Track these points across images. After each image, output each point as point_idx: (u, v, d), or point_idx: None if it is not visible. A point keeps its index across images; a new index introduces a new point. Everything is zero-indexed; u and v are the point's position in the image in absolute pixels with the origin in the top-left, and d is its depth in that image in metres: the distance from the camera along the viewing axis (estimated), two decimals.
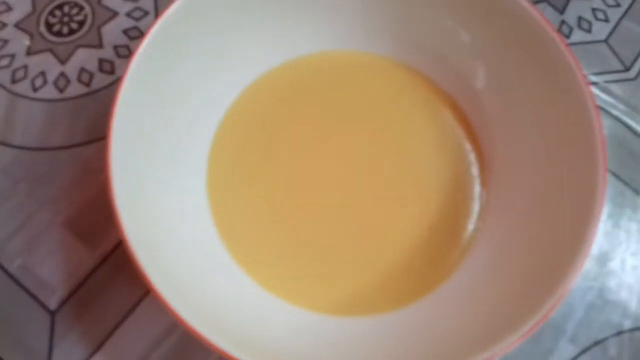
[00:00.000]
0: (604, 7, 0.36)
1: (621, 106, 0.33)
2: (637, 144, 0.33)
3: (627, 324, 0.29)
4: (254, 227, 0.29)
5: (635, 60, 0.35)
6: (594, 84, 0.34)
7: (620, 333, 0.29)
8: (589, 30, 0.35)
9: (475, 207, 0.29)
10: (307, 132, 0.30)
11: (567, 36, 0.35)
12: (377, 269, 0.28)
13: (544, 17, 0.26)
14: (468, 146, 0.30)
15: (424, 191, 0.30)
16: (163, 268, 0.23)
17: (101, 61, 0.33)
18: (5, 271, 0.28)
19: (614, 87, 0.34)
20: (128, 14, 0.34)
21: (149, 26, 0.26)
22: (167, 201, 0.26)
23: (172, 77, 0.27)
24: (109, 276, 0.28)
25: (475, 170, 0.30)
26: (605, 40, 0.35)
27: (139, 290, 0.28)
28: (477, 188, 0.30)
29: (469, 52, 0.30)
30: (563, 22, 0.36)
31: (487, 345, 0.22)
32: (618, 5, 0.36)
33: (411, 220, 0.29)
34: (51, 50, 0.33)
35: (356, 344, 0.26)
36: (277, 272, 0.28)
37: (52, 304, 0.28)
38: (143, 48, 0.25)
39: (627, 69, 0.34)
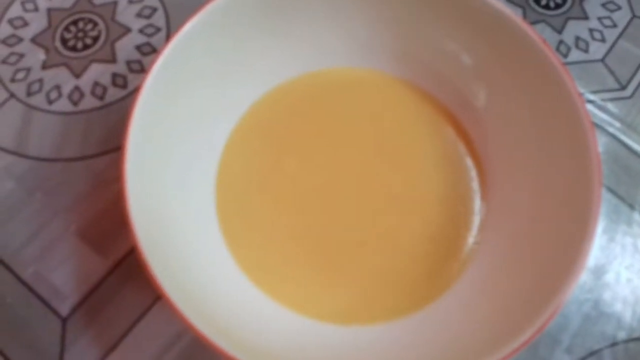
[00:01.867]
0: (600, 27, 0.37)
1: (617, 124, 0.34)
2: (633, 160, 0.34)
3: (622, 336, 0.30)
4: (261, 238, 0.29)
5: (631, 79, 0.36)
6: (591, 102, 0.35)
7: (614, 344, 0.29)
8: (586, 50, 0.36)
9: (476, 220, 0.30)
10: (313, 146, 0.31)
11: (565, 55, 0.36)
12: (380, 279, 0.29)
13: (542, 39, 0.27)
14: (469, 161, 0.31)
15: (426, 204, 0.30)
16: (173, 275, 0.24)
17: (114, 76, 0.34)
18: (19, 278, 0.29)
19: (610, 105, 0.35)
20: (141, 31, 0.35)
21: (164, 43, 0.27)
22: (178, 211, 0.27)
23: (185, 91, 0.28)
24: (119, 284, 0.29)
25: (475, 185, 0.31)
26: (602, 60, 0.36)
27: (149, 297, 0.29)
28: (477, 202, 0.30)
29: (470, 74, 0.31)
30: (561, 41, 0.37)
31: (486, 355, 0.23)
32: (615, 25, 0.37)
33: (413, 232, 0.30)
34: (66, 65, 0.34)
35: (359, 353, 0.27)
36: (283, 281, 0.29)
37: (64, 311, 0.28)
38: (158, 64, 0.26)
39: (623, 88, 0.35)
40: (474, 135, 0.31)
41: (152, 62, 0.26)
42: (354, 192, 0.30)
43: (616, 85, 0.36)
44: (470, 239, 0.30)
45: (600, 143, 0.34)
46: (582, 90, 0.35)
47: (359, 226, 0.30)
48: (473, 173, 0.31)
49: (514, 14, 0.28)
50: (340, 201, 0.30)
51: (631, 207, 0.32)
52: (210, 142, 0.30)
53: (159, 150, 0.27)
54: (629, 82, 0.36)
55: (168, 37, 0.35)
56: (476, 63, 0.31)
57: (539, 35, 0.27)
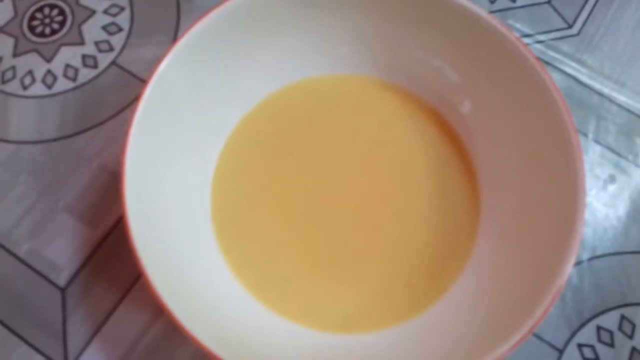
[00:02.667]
0: None
1: (567, 61, 0.36)
2: (584, 93, 0.36)
3: (585, 255, 0.32)
4: (260, 253, 0.30)
5: (576, 17, 0.38)
6: (541, 42, 0.37)
7: (579, 263, 0.32)
8: None
9: (469, 222, 0.30)
10: (306, 156, 0.31)
11: (513, 0, 0.38)
12: (381, 285, 0.29)
13: (525, 45, 0.28)
14: (461, 165, 0.32)
15: (420, 209, 0.31)
16: (181, 298, 0.25)
17: (84, 57, 0.35)
18: (15, 256, 0.30)
19: (559, 44, 0.37)
20: (105, 11, 0.36)
21: (151, 71, 0.27)
22: (177, 237, 0.28)
23: (173, 115, 0.28)
24: (111, 252, 0.30)
25: (467, 188, 0.31)
26: (549, 2, 0.38)
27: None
28: (469, 204, 0.31)
29: (455, 86, 0.31)
30: None
31: (486, 353, 0.24)
32: None
33: (409, 238, 0.30)
34: (36, 51, 0.35)
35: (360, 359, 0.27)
36: (282, 293, 0.29)
37: (61, 282, 0.30)
38: (151, 83, 0.27)
39: (570, 26, 0.37)
40: (464, 139, 0.32)
41: (147, 82, 0.27)
42: (349, 201, 0.30)
43: (564, 25, 0.37)
44: (465, 241, 0.30)
45: (554, 80, 0.36)
46: (531, 32, 0.37)
47: (356, 234, 0.30)
48: (465, 176, 0.31)
49: (496, 22, 0.28)
50: (336, 211, 0.30)
51: (585, 135, 0.34)
52: (203, 157, 0.31)
53: (154, 168, 0.27)
54: (575, 20, 0.38)
55: (132, 16, 0.36)
56: (460, 77, 0.31)
57: (522, 43, 0.28)
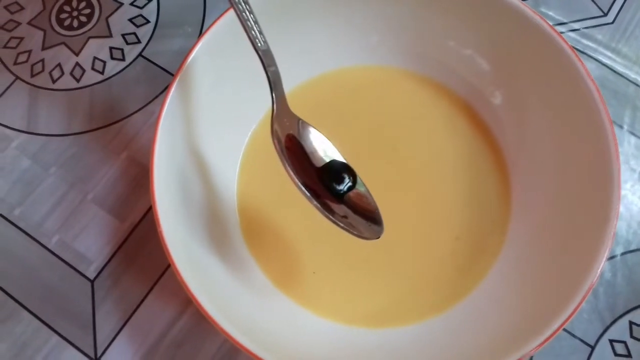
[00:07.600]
0: None
1: (602, 49, 0.35)
2: (620, 83, 0.35)
3: (619, 250, 0.31)
4: (284, 243, 0.30)
5: (612, 5, 0.37)
6: (575, 30, 0.36)
7: (612, 258, 0.31)
8: None
9: (499, 214, 0.30)
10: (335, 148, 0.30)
11: None
12: (408, 280, 0.29)
13: (561, 36, 0.27)
14: (492, 157, 0.31)
15: (450, 202, 0.30)
16: (198, 274, 0.25)
17: (112, 49, 0.35)
18: (45, 247, 0.31)
19: (594, 32, 0.36)
20: (132, 3, 0.36)
21: (182, 61, 0.27)
22: (203, 221, 0.28)
23: (206, 100, 0.29)
24: (139, 244, 0.31)
25: (497, 179, 0.31)
26: None
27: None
28: (500, 196, 0.30)
29: (486, 76, 0.31)
30: None
31: (515, 348, 0.24)
32: None
33: (439, 231, 0.30)
34: (65, 44, 0.35)
35: (393, 354, 0.27)
36: (308, 287, 0.29)
37: (91, 274, 0.30)
38: (179, 75, 0.27)
39: (605, 14, 0.36)
40: (496, 131, 0.31)
41: (169, 85, 0.27)
42: (378, 193, 0.29)
43: (598, 13, 0.36)
44: (496, 234, 0.30)
45: (589, 69, 0.35)
46: (564, 20, 0.36)
47: (385, 228, 0.29)
48: (496, 169, 0.31)
49: (528, 10, 0.28)
50: None
51: (620, 127, 0.34)
52: (230, 153, 0.31)
53: (183, 165, 0.28)
54: (609, 8, 0.37)
55: (159, 8, 0.36)
56: (491, 67, 0.31)
57: (556, 31, 0.28)
